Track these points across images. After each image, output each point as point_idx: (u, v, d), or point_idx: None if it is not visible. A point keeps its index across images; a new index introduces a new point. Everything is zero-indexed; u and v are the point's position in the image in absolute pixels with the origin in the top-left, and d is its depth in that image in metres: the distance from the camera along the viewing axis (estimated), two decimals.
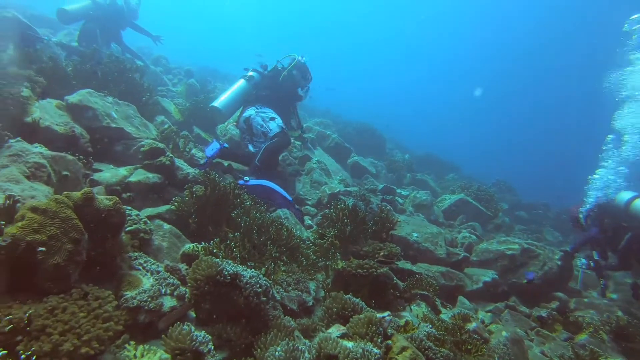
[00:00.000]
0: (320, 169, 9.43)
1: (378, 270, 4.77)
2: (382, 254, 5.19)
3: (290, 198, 6.47)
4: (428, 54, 62.58)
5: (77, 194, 3.05)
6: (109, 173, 4.90)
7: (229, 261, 3.46)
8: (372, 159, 14.25)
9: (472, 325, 4.90)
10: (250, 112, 7.70)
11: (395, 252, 5.28)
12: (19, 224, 2.63)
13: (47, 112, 5.15)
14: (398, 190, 11.53)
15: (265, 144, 7.06)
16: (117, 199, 3.27)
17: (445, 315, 5.44)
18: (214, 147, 6.85)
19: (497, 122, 60.71)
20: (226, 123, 9.11)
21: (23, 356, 2.01)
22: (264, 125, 7.40)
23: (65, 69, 6.74)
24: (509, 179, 18.98)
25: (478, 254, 7.70)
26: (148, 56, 15.38)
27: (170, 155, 5.34)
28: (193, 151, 6.64)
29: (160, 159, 5.18)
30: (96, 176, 4.82)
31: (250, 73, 8.16)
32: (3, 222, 2.68)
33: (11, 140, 3.89)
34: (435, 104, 66.08)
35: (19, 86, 5.12)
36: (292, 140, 8.35)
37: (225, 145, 6.99)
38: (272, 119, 7.53)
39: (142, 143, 5.70)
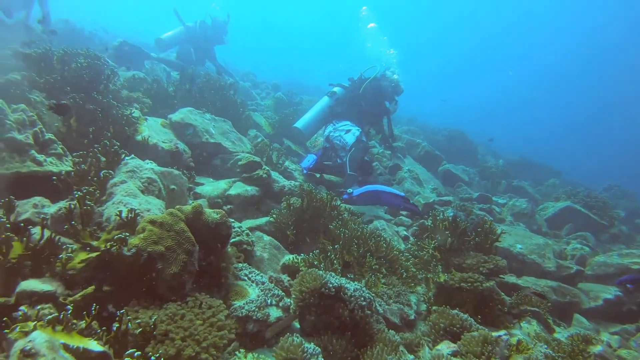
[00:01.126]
0: (412, 178, 9.26)
1: (483, 285, 4.52)
2: (487, 267, 4.93)
3: (401, 193, 6.49)
4: (516, 54, 58.66)
5: (188, 208, 3.28)
6: (210, 186, 5.22)
7: (333, 274, 3.48)
8: (464, 166, 13.68)
9: (596, 349, 4.43)
10: (329, 129, 7.89)
11: (501, 265, 4.98)
12: (141, 235, 2.87)
13: (154, 131, 5.63)
14: (494, 199, 10.93)
15: (347, 157, 7.12)
16: (224, 212, 3.46)
17: (561, 334, 4.99)
18: (309, 158, 7.10)
19: (602, 122, 55.24)
20: (316, 135, 9.35)
21: (153, 358, 2.17)
22: (342, 139, 7.49)
23: (168, 89, 7.34)
24: (624, 183, 17.06)
25: (594, 268, 6.99)
26: (237, 72, 16.31)
27: (267, 168, 5.57)
28: (286, 163, 6.86)
29: (257, 172, 5.41)
30: (199, 189, 5.16)
31: (334, 89, 8.29)
32: (127, 233, 2.94)
33: (127, 158, 4.28)
34: (526, 107, 61.87)
35: (131, 108, 5.66)
36: (369, 143, 8.40)
37: (318, 154, 7.26)
38: (347, 131, 7.58)
39: (238, 157, 6.01)
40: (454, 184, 11.39)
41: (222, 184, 5.36)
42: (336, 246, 4.40)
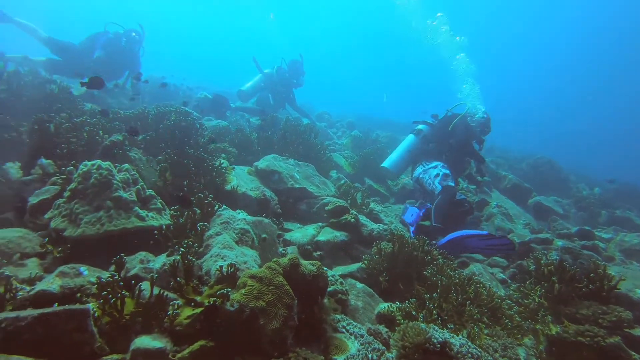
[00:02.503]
0: (502, 214, 8.76)
1: (607, 340, 4.04)
2: (607, 319, 4.42)
3: (484, 232, 6.15)
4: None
5: (285, 261, 3.32)
6: (299, 233, 5.29)
7: (436, 327, 3.31)
8: (555, 197, 12.73)
9: None
10: (419, 170, 7.78)
11: (625, 317, 4.44)
12: (242, 291, 2.94)
13: (241, 179, 5.88)
14: (597, 233, 9.95)
15: (433, 204, 6.89)
16: (320, 264, 3.46)
17: None
18: (412, 212, 7.00)
19: None
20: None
21: None
22: (432, 183, 7.29)
23: (250, 137, 7.69)
24: None
25: None
26: (313, 112, 16.84)
27: (354, 212, 5.56)
28: (372, 205, 6.81)
29: (345, 217, 5.41)
30: (288, 236, 5.24)
31: (419, 127, 8.21)
32: (229, 289, 3.02)
33: (220, 209, 4.48)
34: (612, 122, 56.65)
35: (219, 159, 5.98)
36: (457, 189, 8.02)
37: (429, 205, 6.99)
38: (437, 175, 7.34)
39: (324, 201, 6.08)
40: (548, 218, 10.59)
41: (311, 230, 5.41)
42: (434, 295, 4.20)
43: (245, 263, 3.67)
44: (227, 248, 3.86)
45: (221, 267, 3.25)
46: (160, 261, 3.82)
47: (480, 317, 4.21)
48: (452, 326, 4.01)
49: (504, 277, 6.20)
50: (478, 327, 3.95)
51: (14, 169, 4.97)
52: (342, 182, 7.71)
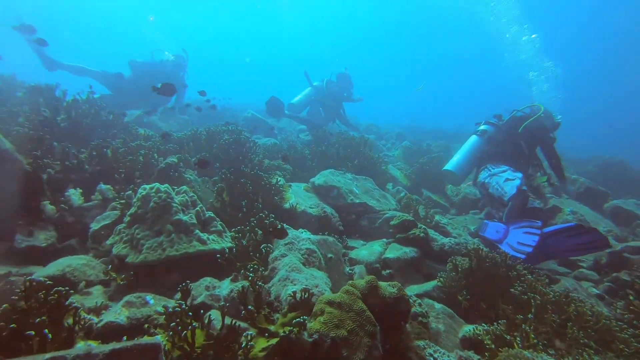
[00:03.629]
0: (578, 221, 8.11)
1: None
2: None
3: (570, 224, 5.53)
4: None
5: (362, 283, 3.06)
6: (365, 250, 5.02)
7: (542, 356, 2.93)
8: (635, 199, 11.74)
9: None
10: (484, 175, 7.14)
11: None
12: (321, 319, 2.70)
13: (299, 197, 5.69)
14: None
15: (504, 213, 6.34)
16: (400, 285, 3.17)
17: None
18: (496, 228, 6.18)
19: None
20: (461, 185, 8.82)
21: None
22: (500, 188, 6.67)
23: (303, 152, 7.53)
24: None
25: None
26: (360, 125, 16.64)
27: (423, 227, 5.23)
28: (437, 217, 6.44)
29: (413, 231, 5.10)
30: (353, 254, 4.98)
31: (482, 127, 7.72)
32: (305, 317, 2.79)
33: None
34: None
35: (275, 176, 5.84)
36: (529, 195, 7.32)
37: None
38: (507, 180, 6.71)
39: (387, 216, 5.81)
40: (630, 223, 9.72)
41: (377, 247, 5.12)
42: (529, 315, 3.79)
43: (316, 286, 3.44)
44: (295, 270, 3.65)
45: (294, 292, 3.03)
46: (226, 287, 3.66)
47: (587, 342, 3.75)
48: (553, 352, 3.59)
49: (597, 292, 5.62)
50: (587, 353, 3.50)
51: (75, 195, 5.02)
52: (402, 194, 7.39)
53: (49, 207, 4.81)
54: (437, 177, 8.91)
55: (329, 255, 4.44)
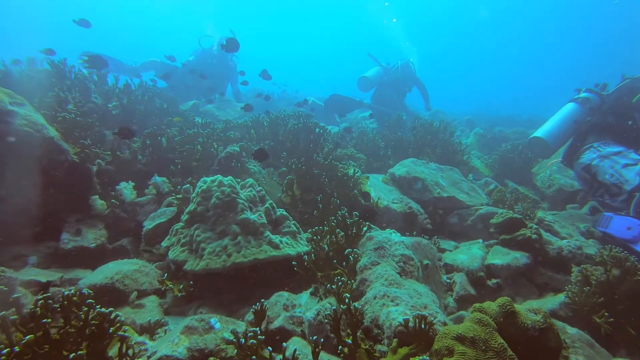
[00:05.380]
0: None
1: None
2: None
3: None
4: None
5: (493, 308, 2.25)
6: (463, 255, 4.17)
7: None
8: None
9: None
10: (590, 156, 5.73)
11: None
12: None
13: (379, 190, 4.91)
14: None
15: (632, 207, 5.03)
16: (545, 312, 2.33)
17: None
18: (625, 222, 4.78)
19: None
20: (549, 172, 7.61)
21: None
22: (617, 174, 5.33)
23: (375, 140, 6.73)
24: None
25: None
26: (420, 114, 15.58)
27: (535, 226, 4.29)
28: (540, 214, 5.43)
29: (522, 231, 4.18)
30: (449, 259, 4.14)
31: (582, 94, 6.41)
32: (426, 359, 2.01)
33: (371, 231, 3.52)
34: None
35: (350, 167, 5.08)
36: None
37: None
38: (627, 165, 5.34)
39: (481, 212, 4.94)
40: None
41: (477, 250, 4.25)
42: None
43: (425, 307, 2.65)
44: (393, 285, 2.88)
45: (406, 321, 2.24)
46: (306, 303, 2.95)
47: None
48: None
49: None
50: None
51: (127, 189, 4.49)
52: (492, 186, 6.42)
53: (98, 203, 4.30)
54: (521, 167, 7.83)
55: (425, 261, 3.63)
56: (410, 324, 2.24)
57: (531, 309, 2.39)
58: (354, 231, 3.58)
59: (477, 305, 2.33)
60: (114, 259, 3.86)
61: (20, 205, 3.96)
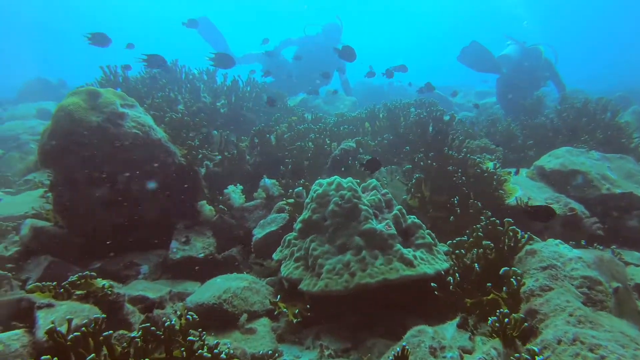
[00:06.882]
0: None
1: None
2: None
3: None
4: None
5: None
6: None
7: None
8: None
9: None
10: None
11: None
12: None
13: (526, 188, 4.04)
14: None
15: None
16: None
17: None
18: None
19: None
20: None
21: None
22: None
23: (509, 128, 5.74)
24: None
25: None
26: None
27: None
28: None
29: None
30: (638, 278, 3.14)
31: None
32: None
33: (532, 244, 2.71)
34: None
35: (485, 161, 4.25)
36: None
37: None
38: None
39: None
40: None
41: None
42: None
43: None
44: (585, 323, 2.09)
45: None
46: (451, 337, 2.30)
47: None
48: None
49: None
50: None
51: (235, 193, 4.16)
52: None
53: (206, 208, 4.02)
54: None
55: (613, 284, 2.72)
56: None
57: None
58: (508, 243, 2.80)
59: None
60: (222, 270, 3.56)
61: (131, 211, 3.81)
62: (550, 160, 4.44)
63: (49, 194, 3.98)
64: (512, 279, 2.44)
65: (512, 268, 2.59)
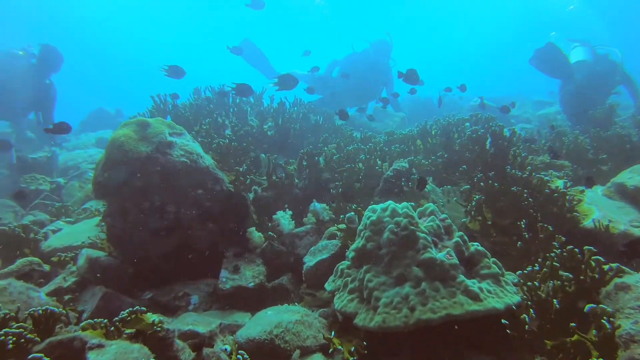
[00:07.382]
0: None
1: None
2: None
3: None
4: None
5: None
6: None
7: None
8: None
9: None
10: None
11: None
12: None
13: (604, 208, 3.64)
14: None
15: None
16: None
17: None
18: None
19: None
20: None
21: None
22: None
23: (577, 140, 5.32)
24: None
25: None
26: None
27: None
28: None
29: None
30: None
31: None
32: None
33: (623, 278, 2.38)
34: None
35: (552, 179, 3.91)
36: None
37: None
38: None
39: None
40: None
41: None
42: None
43: None
44: None
45: None
46: None
47: None
48: None
49: None
50: None
51: (285, 219, 4.03)
52: None
53: (255, 235, 3.91)
54: None
55: None
56: None
57: None
58: (591, 275, 2.48)
59: None
60: (273, 300, 3.50)
61: (181, 239, 3.78)
62: (633, 177, 4.01)
63: (103, 224, 4.03)
64: (603, 320, 2.12)
65: (600, 305, 2.28)
